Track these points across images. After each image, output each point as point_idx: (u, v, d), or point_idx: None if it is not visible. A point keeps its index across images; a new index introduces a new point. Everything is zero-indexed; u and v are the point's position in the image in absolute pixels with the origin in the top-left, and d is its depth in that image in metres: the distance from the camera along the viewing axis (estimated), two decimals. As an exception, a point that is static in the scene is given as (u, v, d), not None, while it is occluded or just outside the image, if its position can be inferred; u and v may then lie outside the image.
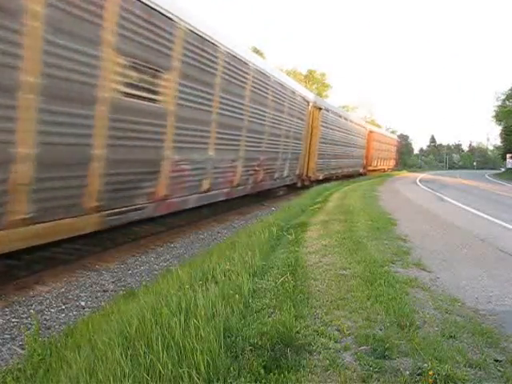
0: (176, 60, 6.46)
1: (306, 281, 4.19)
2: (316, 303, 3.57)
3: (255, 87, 9.89)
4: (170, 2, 6.20)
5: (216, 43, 7.65)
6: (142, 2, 5.51)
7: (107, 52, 5.01)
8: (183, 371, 2.33)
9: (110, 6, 4.98)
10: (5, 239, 4.12)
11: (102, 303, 4.71)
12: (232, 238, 7.56)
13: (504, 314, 3.60)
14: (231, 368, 2.40)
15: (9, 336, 3.86)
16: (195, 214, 9.29)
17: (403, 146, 68.15)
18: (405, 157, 70.38)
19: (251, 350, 2.62)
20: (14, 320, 4.16)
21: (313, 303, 3.56)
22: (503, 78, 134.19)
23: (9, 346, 3.69)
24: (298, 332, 2.94)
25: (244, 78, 9.20)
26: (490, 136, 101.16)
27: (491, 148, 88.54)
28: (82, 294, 4.96)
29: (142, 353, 2.55)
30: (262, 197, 13.00)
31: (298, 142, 14.47)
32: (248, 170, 10.27)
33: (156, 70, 5.99)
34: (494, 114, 47.61)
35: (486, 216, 9.98)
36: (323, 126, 17.22)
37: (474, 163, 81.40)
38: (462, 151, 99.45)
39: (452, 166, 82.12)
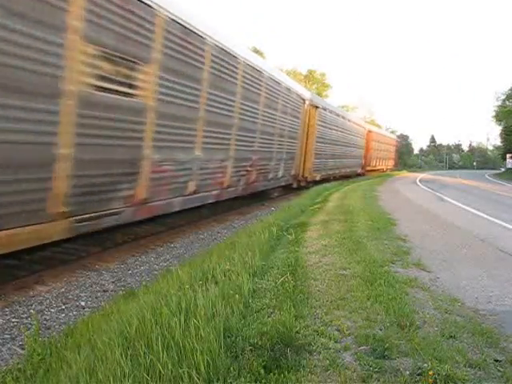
0: (156, 51, 5.95)
1: (306, 281, 4.19)
2: (316, 303, 3.57)
3: (246, 83, 9.39)
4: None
5: (202, 35, 7.16)
6: None
7: (73, 40, 4.47)
8: (183, 371, 2.33)
9: None
10: None
11: (102, 303, 4.71)
12: (232, 238, 7.56)
13: (504, 314, 3.60)
14: (231, 368, 2.40)
15: (9, 336, 3.86)
16: (195, 213, 9.30)
17: (403, 146, 68.21)
18: (405, 157, 70.40)
19: (251, 349, 2.62)
20: (13, 320, 4.16)
21: (313, 303, 3.56)
22: (503, 77, 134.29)
23: (9, 346, 3.69)
24: (297, 332, 2.94)
25: (234, 73, 8.71)
26: (489, 136, 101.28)
27: (491, 148, 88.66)
28: (81, 294, 4.96)
29: (141, 353, 2.55)
30: (258, 198, 12.66)
31: (293, 141, 14.02)
32: (239, 171, 9.80)
33: (133, 62, 5.50)
34: (494, 113, 47.69)
35: (485, 216, 9.99)
36: (320, 125, 16.86)
37: (474, 163, 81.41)
38: (462, 151, 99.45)
39: (452, 166, 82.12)
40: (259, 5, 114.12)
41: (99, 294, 5.07)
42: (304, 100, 14.85)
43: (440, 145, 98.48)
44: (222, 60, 8.03)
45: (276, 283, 3.97)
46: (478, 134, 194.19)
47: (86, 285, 5.26)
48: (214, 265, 4.60)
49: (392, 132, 62.03)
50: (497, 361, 2.72)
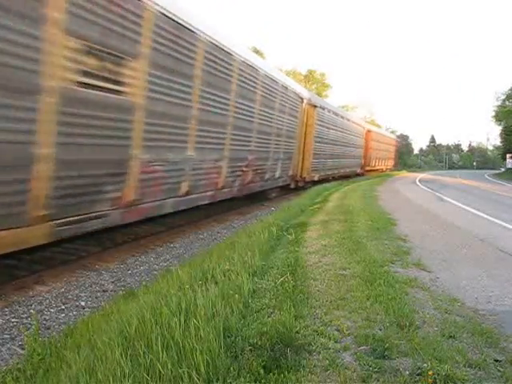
0: (145, 47, 5.66)
1: (306, 281, 4.19)
2: (316, 303, 3.57)
3: (242, 80, 9.08)
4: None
5: (194, 30, 6.87)
6: None
7: (54, 33, 4.21)
8: (183, 371, 2.33)
9: None
10: None
11: (102, 303, 4.71)
12: (232, 238, 7.56)
13: (504, 314, 3.60)
14: (231, 368, 2.41)
15: (8, 336, 3.85)
16: (195, 213, 9.30)
17: (403, 146, 68.20)
18: (405, 157, 70.44)
19: (251, 349, 2.62)
20: (13, 320, 4.16)
21: (312, 303, 3.56)
22: (503, 77, 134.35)
23: (8, 345, 3.69)
24: (297, 332, 2.94)
25: (229, 70, 8.41)
26: (489, 136, 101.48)
27: (491, 148, 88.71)
28: (81, 294, 4.96)
29: (141, 353, 2.56)
30: (254, 198, 12.38)
31: (291, 140, 13.74)
32: (235, 171, 9.49)
33: (120, 57, 5.22)
34: (493, 113, 47.72)
35: (485, 216, 9.99)
36: (319, 125, 16.59)
37: (474, 163, 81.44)
38: (462, 151, 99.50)
39: (452, 166, 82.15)
40: (259, 5, 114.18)
41: (99, 293, 5.06)
42: (302, 99, 14.60)
43: (440, 145, 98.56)
44: (216, 57, 7.78)
45: (276, 283, 3.97)
46: (477, 134, 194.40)
47: (86, 285, 5.26)
48: (213, 265, 4.60)
49: (392, 132, 62.08)
50: (497, 361, 2.72)
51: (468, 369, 2.58)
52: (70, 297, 4.86)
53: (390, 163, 40.89)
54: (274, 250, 5.74)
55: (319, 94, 38.39)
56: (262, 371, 2.37)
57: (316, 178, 17.39)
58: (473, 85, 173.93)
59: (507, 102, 44.48)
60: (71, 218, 4.87)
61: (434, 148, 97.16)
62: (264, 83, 10.59)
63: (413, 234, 7.02)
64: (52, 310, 4.48)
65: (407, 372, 2.49)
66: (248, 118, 9.83)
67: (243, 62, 9.07)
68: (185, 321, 2.91)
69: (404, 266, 4.93)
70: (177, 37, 6.40)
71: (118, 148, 5.49)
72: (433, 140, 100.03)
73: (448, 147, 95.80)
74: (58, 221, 4.69)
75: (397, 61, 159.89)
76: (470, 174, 48.44)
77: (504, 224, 8.84)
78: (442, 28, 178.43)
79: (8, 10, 3.80)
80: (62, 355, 3.03)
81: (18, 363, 3.17)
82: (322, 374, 2.45)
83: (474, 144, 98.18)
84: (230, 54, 8.38)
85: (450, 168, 77.59)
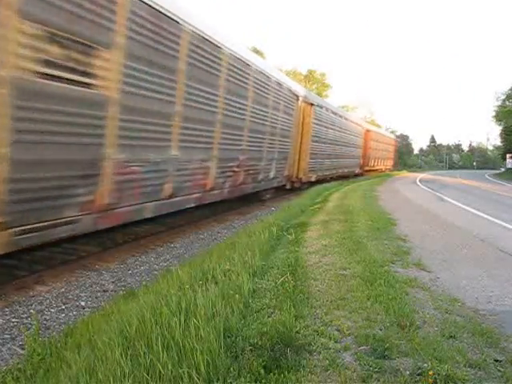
0: (119, 35, 5.16)
1: (306, 281, 4.19)
2: (316, 303, 3.57)
3: (232, 76, 8.56)
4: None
5: (177, 19, 6.35)
6: None
7: (5, 15, 3.79)
8: (183, 371, 2.33)
9: None
10: None
11: (102, 303, 4.71)
12: (232, 238, 7.56)
13: (504, 314, 3.60)
14: (231, 368, 2.41)
15: (9, 336, 3.86)
16: (195, 213, 9.31)
17: (403, 146, 68.23)
18: (405, 157, 70.45)
19: (251, 349, 2.62)
20: (13, 320, 4.16)
21: (313, 303, 3.56)
22: (503, 77, 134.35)
23: (9, 345, 3.69)
24: (297, 332, 2.94)
25: (217, 64, 7.88)
26: (489, 136, 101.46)
27: (491, 148, 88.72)
28: (81, 294, 4.96)
29: (141, 353, 2.56)
30: (248, 200, 11.93)
31: (286, 140, 13.16)
32: (225, 172, 8.96)
33: (90, 47, 4.73)
34: (494, 113, 47.75)
35: (486, 216, 9.99)
36: (316, 124, 16.05)
37: (474, 163, 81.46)
38: (462, 151, 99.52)
39: (452, 166, 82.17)
40: (259, 5, 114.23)
41: (99, 293, 5.07)
42: (298, 96, 14.04)
43: (440, 145, 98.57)
44: (202, 49, 7.27)
45: (276, 283, 3.97)
46: (477, 134, 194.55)
47: (86, 285, 5.26)
48: (214, 265, 4.60)
49: (392, 132, 62.11)
50: (497, 361, 2.72)
51: (468, 369, 2.58)
52: (70, 297, 4.86)
53: (390, 163, 40.75)
54: (275, 249, 5.74)
55: (319, 94, 38.38)
56: (262, 371, 2.37)
57: (313, 179, 16.93)
58: (473, 85, 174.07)
59: (507, 102, 44.50)
60: (34, 225, 4.36)
61: (435, 148, 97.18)
62: (256, 79, 10.03)
63: (413, 233, 7.02)
64: (52, 310, 4.48)
65: (407, 372, 2.49)
66: (239, 116, 9.30)
67: (233, 55, 8.55)
68: (185, 321, 2.91)
69: (404, 266, 4.93)
70: (157, 26, 5.89)
71: (88, 147, 4.98)
72: (433, 140, 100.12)
73: (448, 147, 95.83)
74: (18, 228, 4.19)
75: (397, 61, 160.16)
76: (470, 173, 48.45)
77: (504, 224, 8.83)
78: (441, 28, 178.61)
79: None
80: (62, 355, 3.03)
81: (18, 363, 3.17)
82: (323, 373, 2.45)
83: (474, 144, 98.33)
84: (219, 47, 7.90)
85: (450, 168, 77.60)
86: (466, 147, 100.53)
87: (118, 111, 5.31)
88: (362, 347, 2.79)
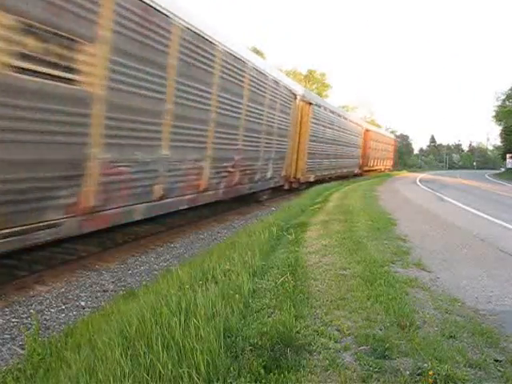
0: (105, 29, 4.92)
1: (306, 281, 4.19)
2: (316, 303, 3.57)
3: (226, 73, 8.28)
4: None
5: (167, 13, 6.10)
6: None
7: None
8: (183, 371, 2.33)
9: None
10: None
11: (102, 303, 4.72)
12: (232, 237, 7.56)
13: (504, 314, 3.60)
14: (231, 368, 2.41)
15: (9, 336, 3.86)
16: (195, 213, 9.31)
17: (403, 146, 68.24)
18: (405, 157, 70.47)
19: (251, 349, 2.62)
20: (13, 320, 4.16)
21: (313, 303, 3.56)
22: (503, 77, 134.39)
23: (9, 345, 3.69)
24: (297, 332, 2.94)
25: (210, 60, 7.62)
26: (489, 136, 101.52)
27: (491, 148, 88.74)
28: (81, 294, 4.97)
29: (141, 353, 2.56)
30: (244, 201, 11.64)
31: (283, 139, 12.90)
32: (219, 172, 8.69)
33: (72, 40, 4.46)
34: (494, 113, 47.77)
35: (486, 216, 9.99)
36: (314, 123, 15.78)
37: (474, 163, 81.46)
38: (462, 151, 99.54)
39: (452, 166, 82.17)
40: (259, 5, 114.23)
41: (99, 293, 5.07)
42: (295, 95, 13.76)
43: (440, 145, 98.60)
44: (195, 45, 7.03)
45: (276, 283, 3.97)
46: (477, 134, 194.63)
47: (86, 285, 5.26)
48: (214, 265, 4.60)
49: (392, 132, 62.09)
50: (497, 361, 2.72)
51: (468, 369, 2.58)
52: (70, 297, 4.86)
53: (389, 163, 40.62)
54: (275, 249, 5.74)
55: (319, 94, 38.37)
56: (262, 371, 2.37)
57: (311, 179, 16.60)
58: (473, 85, 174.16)
59: (507, 102, 44.52)
60: (12, 229, 4.12)
61: (435, 148, 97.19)
62: (252, 77, 9.72)
63: (413, 233, 7.02)
64: (52, 310, 4.49)
65: (407, 372, 2.49)
66: (234, 114, 9.02)
67: (227, 52, 8.29)
68: (185, 321, 2.91)
69: (404, 265, 4.93)
70: (145, 20, 5.64)
71: (70, 146, 4.71)
72: (433, 140, 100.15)
73: (448, 147, 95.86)
74: None
75: (397, 61, 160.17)
76: (470, 173, 48.45)
77: (504, 224, 8.83)
78: (441, 28, 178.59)
79: None
80: (62, 355, 3.03)
81: (18, 363, 3.17)
82: (323, 374, 2.45)
83: (474, 144, 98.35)
84: (212, 43, 7.64)
85: (450, 168, 77.60)
86: (466, 147, 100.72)
87: (103, 109, 5.08)
88: (362, 347, 2.79)
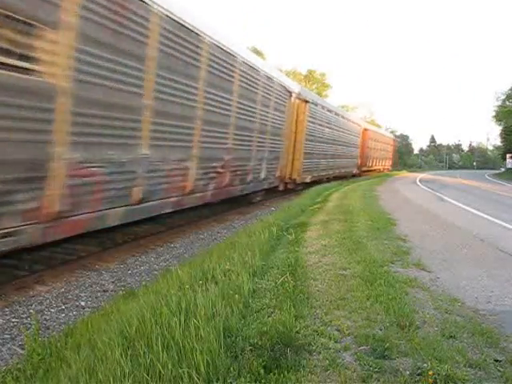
0: (70, 14, 4.38)
1: (306, 281, 4.19)
2: (316, 303, 3.57)
3: (214, 67, 7.80)
4: None
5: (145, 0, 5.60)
6: None
7: None
8: (183, 371, 2.33)
9: None
10: None
11: (102, 303, 4.72)
12: (232, 237, 7.55)
13: (504, 314, 3.60)
14: (231, 368, 2.41)
15: (9, 336, 3.86)
16: (195, 213, 9.31)
17: (403, 146, 68.25)
18: (405, 157, 70.49)
19: (251, 349, 2.62)
20: (13, 320, 4.16)
21: (313, 303, 3.56)
22: (503, 77, 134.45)
23: (9, 345, 3.69)
24: (297, 332, 2.94)
25: (196, 53, 7.14)
26: (489, 136, 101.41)
27: (491, 148, 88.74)
28: (81, 294, 4.97)
29: (141, 353, 2.56)
30: (235, 203, 11.26)
31: (277, 138, 12.41)
32: (207, 173, 8.19)
33: (29, 25, 3.96)
34: (494, 113, 47.76)
35: (486, 216, 9.99)
36: (310, 122, 15.27)
37: (474, 163, 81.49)
38: (462, 151, 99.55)
39: (452, 166, 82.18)
40: (259, 5, 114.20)
41: (99, 293, 5.07)
42: (291, 93, 13.26)
43: (440, 145, 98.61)
44: (178, 36, 6.52)
45: (276, 283, 3.97)
46: (478, 134, 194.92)
47: (86, 285, 5.26)
48: (214, 265, 4.60)
49: (392, 132, 62.11)
50: (497, 361, 2.72)
51: (468, 369, 2.58)
52: (70, 297, 4.86)
53: (388, 163, 40.37)
54: (275, 249, 5.74)
55: (319, 94, 38.34)
56: (262, 371, 2.37)
57: (308, 180, 16.09)
58: (473, 85, 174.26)
59: (507, 102, 44.53)
60: None
61: (435, 148, 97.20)
62: (243, 72, 9.19)
63: (413, 233, 7.02)
64: (52, 310, 4.49)
65: (407, 372, 2.49)
66: (223, 112, 8.49)
67: (215, 45, 7.77)
68: (185, 321, 2.91)
69: (404, 265, 4.93)
70: (119, 5, 5.13)
71: (30, 145, 4.20)
72: (433, 140, 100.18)
73: (448, 147, 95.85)
74: None
75: (397, 61, 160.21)
76: (470, 173, 48.45)
77: (504, 224, 8.83)
78: (441, 28, 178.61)
79: None
80: (62, 355, 3.03)
81: (18, 363, 3.17)
82: (322, 373, 2.45)
83: (474, 144, 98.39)
84: (198, 35, 7.10)
85: (450, 168, 77.60)
86: (466, 147, 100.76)
87: (69, 103, 4.55)
88: (361, 347, 2.79)
